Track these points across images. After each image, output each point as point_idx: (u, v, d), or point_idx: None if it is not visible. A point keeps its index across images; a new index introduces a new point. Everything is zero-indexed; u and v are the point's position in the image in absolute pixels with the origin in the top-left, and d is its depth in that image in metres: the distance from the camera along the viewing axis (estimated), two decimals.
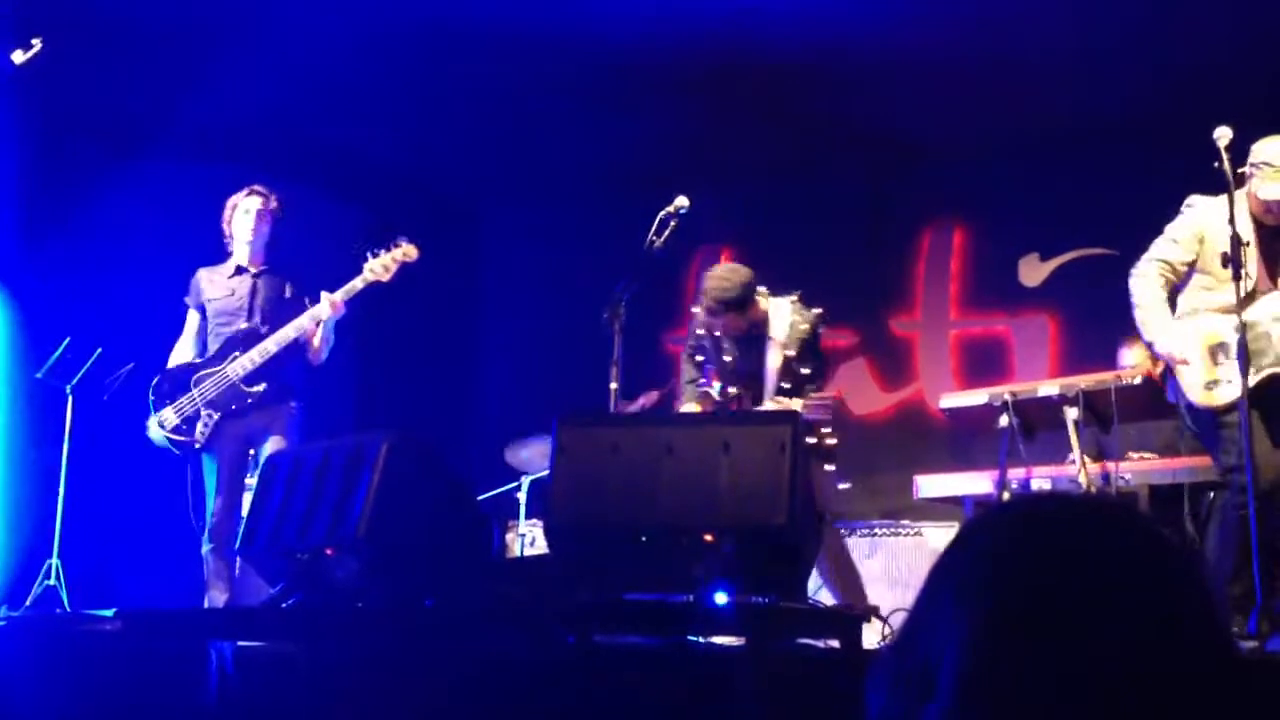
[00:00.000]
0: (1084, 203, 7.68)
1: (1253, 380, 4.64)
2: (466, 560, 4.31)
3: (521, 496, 7.15)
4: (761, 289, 5.74)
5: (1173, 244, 4.96)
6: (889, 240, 8.55)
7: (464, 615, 4.04)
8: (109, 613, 5.09)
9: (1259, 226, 4.79)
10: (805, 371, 5.55)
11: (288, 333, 5.93)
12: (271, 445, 5.84)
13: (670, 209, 5.65)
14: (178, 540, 6.37)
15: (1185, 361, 4.79)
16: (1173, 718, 1.02)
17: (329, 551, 4.15)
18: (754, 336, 5.70)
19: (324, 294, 5.96)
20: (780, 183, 8.55)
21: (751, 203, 8.43)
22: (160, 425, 5.93)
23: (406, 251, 6.09)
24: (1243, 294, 4.63)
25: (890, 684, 1.13)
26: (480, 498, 6.80)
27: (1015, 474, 5.98)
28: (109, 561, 7.16)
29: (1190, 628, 1.06)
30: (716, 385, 5.66)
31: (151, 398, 5.99)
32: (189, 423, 5.92)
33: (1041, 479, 5.97)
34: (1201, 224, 4.89)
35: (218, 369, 5.96)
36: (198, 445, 5.91)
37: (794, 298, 5.73)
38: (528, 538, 6.95)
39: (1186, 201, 4.96)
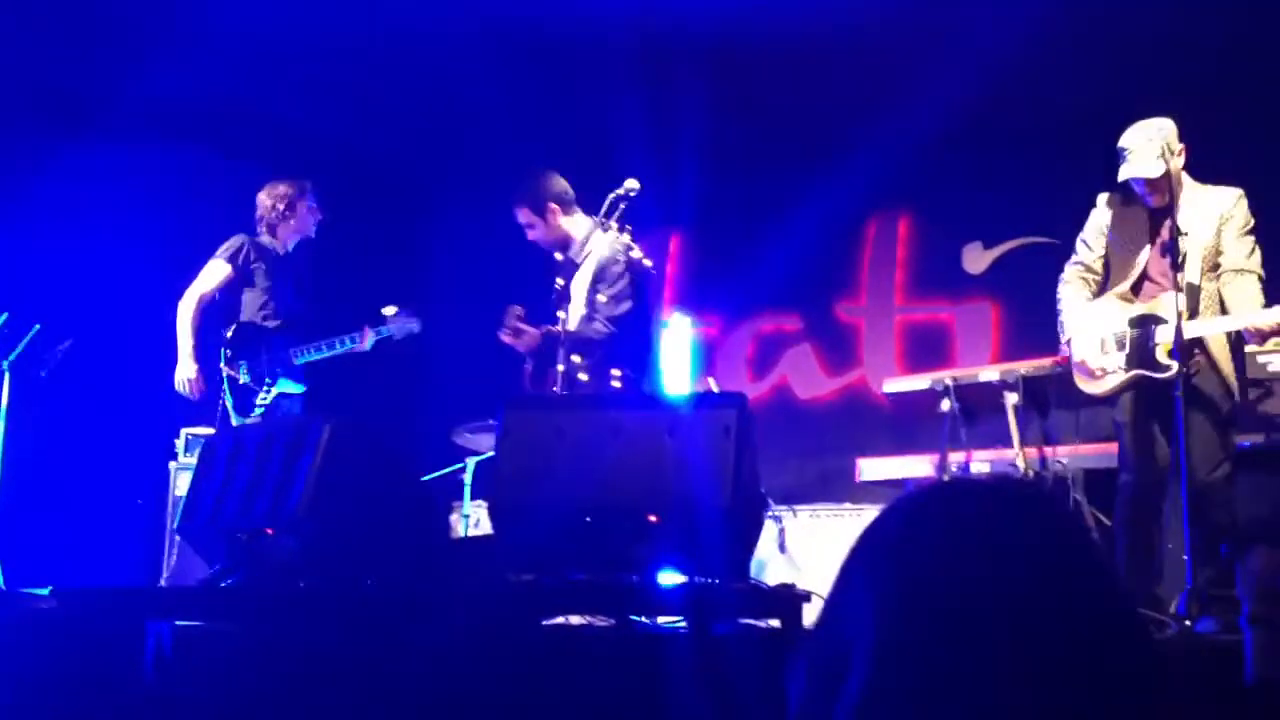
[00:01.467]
0: (1026, 192, 7.75)
1: (1122, 379, 4.82)
2: (409, 541, 4.29)
3: (467, 478, 7.12)
4: (609, 223, 5.71)
5: (1083, 245, 5.19)
6: (835, 227, 8.59)
7: (406, 596, 4.02)
8: (44, 591, 5.04)
9: (1151, 213, 4.93)
10: (601, 298, 5.57)
11: (335, 346, 6.27)
12: None
13: (620, 191, 5.65)
14: (118, 519, 6.30)
15: (1082, 363, 5.03)
16: (1081, 698, 1.03)
17: (269, 531, 4.12)
18: (572, 262, 5.75)
19: (367, 328, 6.31)
20: (729, 168, 8.56)
21: (701, 188, 8.44)
22: (234, 378, 6.09)
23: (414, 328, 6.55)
24: (1132, 282, 4.94)
25: (808, 670, 1.14)
26: (426, 478, 6.77)
27: (956, 458, 6.06)
28: (46, 540, 7.06)
29: (1095, 609, 1.07)
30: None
31: (227, 351, 6.13)
32: (258, 383, 6.09)
33: (981, 463, 6.05)
34: (1102, 220, 5.09)
35: (284, 351, 6.20)
36: (259, 407, 6.07)
37: (616, 228, 5.73)
38: (472, 519, 6.93)
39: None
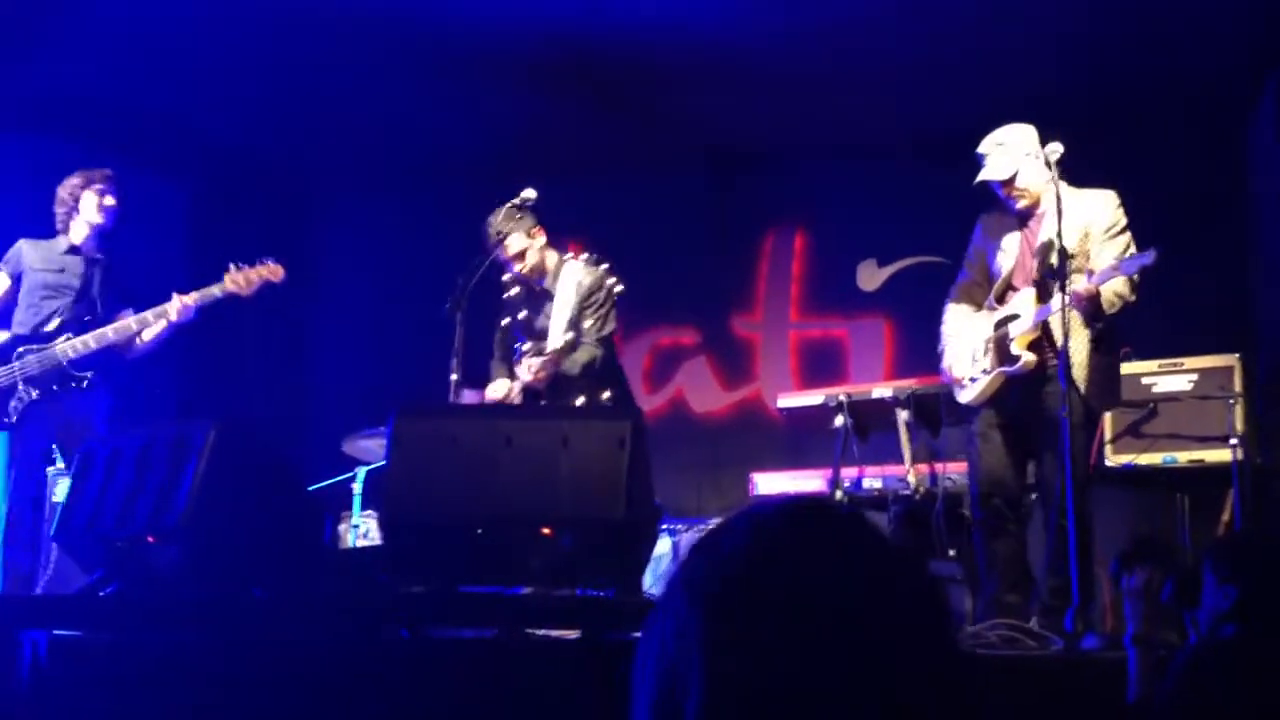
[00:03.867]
0: (920, 211, 7.86)
1: (987, 382, 4.91)
2: (296, 551, 4.21)
3: (357, 487, 7.02)
4: (571, 258, 5.74)
5: (965, 264, 5.31)
6: (733, 241, 8.64)
7: (293, 607, 3.95)
8: None
9: (1021, 222, 5.05)
10: (587, 324, 5.58)
11: (130, 324, 5.81)
12: (90, 434, 5.68)
13: (517, 200, 5.62)
14: None
15: (948, 369, 5.16)
16: (886, 708, 1.04)
17: (150, 539, 4.01)
18: (543, 292, 5.72)
19: (176, 295, 5.83)
20: (628, 180, 8.56)
21: (598, 199, 8.43)
22: None
23: (273, 270, 6.03)
24: (996, 292, 5.04)
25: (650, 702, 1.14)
26: (314, 487, 6.66)
27: (848, 473, 6.12)
28: None
29: (912, 634, 1.08)
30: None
31: None
32: (2, 395, 5.69)
33: (873, 478, 6.11)
34: (980, 237, 5.26)
35: (45, 346, 5.76)
36: (11, 420, 5.69)
37: (586, 257, 5.76)
38: (362, 529, 6.83)
39: None
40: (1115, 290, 4.70)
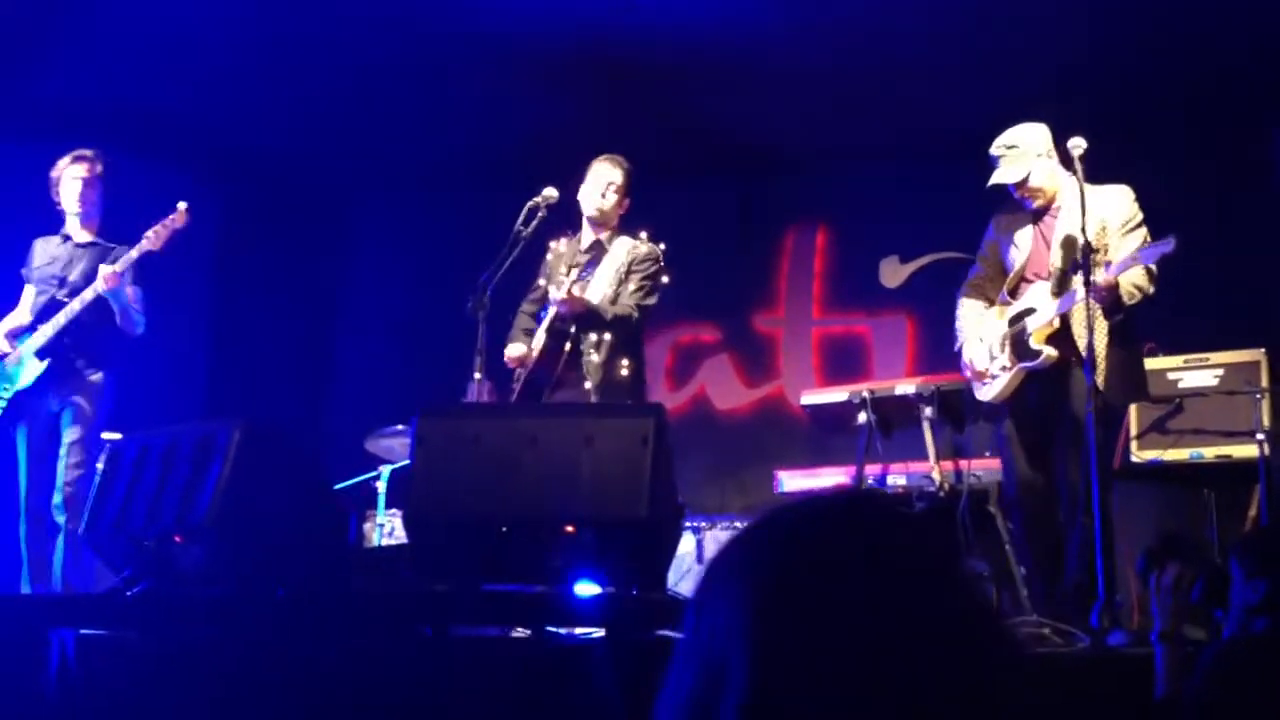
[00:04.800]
0: (942, 208, 7.82)
1: (1007, 379, 4.88)
2: (321, 550, 4.23)
3: (381, 486, 7.04)
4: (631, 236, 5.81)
5: (979, 260, 5.29)
6: (754, 238, 8.62)
7: (318, 606, 3.96)
8: None
9: (1036, 218, 5.02)
10: (630, 286, 5.59)
11: (74, 306, 5.75)
12: (72, 420, 5.71)
13: (539, 199, 5.62)
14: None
15: (970, 364, 5.11)
16: (935, 706, 1.02)
17: (177, 539, 4.03)
18: (596, 245, 5.75)
19: (101, 267, 5.76)
20: (648, 179, 8.54)
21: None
22: None
23: (175, 217, 5.90)
24: (1009, 285, 5.02)
25: (685, 679, 1.13)
26: (339, 486, 6.69)
27: (872, 470, 6.10)
28: None
29: (971, 629, 1.07)
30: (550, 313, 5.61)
31: None
32: None
33: (897, 475, 6.10)
34: (993, 234, 5.24)
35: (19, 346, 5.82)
36: None
37: (645, 236, 5.81)
38: (386, 528, 6.86)
39: None
40: (1134, 281, 4.68)
